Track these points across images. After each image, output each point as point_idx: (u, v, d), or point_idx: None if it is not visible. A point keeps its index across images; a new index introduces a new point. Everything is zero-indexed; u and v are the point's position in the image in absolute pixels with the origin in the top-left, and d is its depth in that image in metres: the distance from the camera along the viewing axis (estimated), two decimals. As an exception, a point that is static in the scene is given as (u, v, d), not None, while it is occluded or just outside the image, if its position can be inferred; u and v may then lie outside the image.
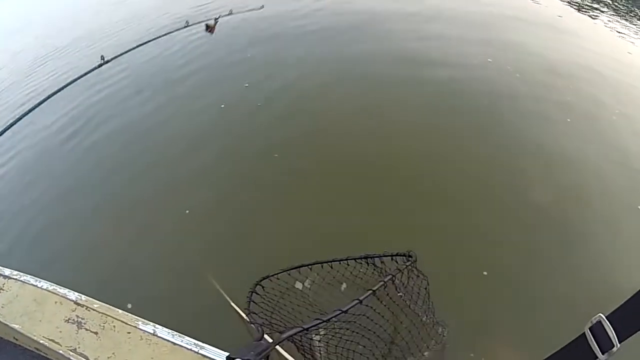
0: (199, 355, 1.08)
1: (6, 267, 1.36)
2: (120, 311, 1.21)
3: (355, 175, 3.25)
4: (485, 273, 2.44)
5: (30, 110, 2.26)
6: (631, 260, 2.60)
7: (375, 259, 1.57)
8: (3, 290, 1.29)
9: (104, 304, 1.23)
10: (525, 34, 5.61)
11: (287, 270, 1.57)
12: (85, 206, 3.37)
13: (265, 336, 1.04)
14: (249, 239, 2.82)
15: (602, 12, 7.22)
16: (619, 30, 6.39)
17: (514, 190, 3.07)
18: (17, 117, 2.16)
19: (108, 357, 1.09)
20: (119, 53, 2.64)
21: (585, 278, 2.50)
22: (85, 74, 2.59)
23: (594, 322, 0.64)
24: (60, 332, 1.16)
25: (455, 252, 2.58)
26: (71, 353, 1.10)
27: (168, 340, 1.12)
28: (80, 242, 3.08)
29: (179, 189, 3.32)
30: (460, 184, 3.12)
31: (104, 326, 1.16)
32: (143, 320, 1.18)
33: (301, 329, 0.84)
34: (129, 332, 1.15)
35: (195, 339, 1.13)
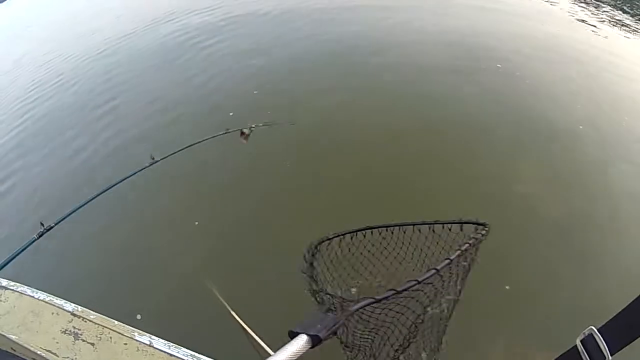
0: None
1: (3, 279, 1.37)
2: (116, 322, 1.20)
3: (364, 186, 3.32)
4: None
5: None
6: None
7: (437, 225, 1.13)
8: (0, 301, 1.29)
9: (100, 315, 1.23)
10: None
11: (349, 232, 1.16)
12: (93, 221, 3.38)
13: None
14: (255, 249, 2.89)
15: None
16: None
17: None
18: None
19: None
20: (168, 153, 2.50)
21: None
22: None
23: (586, 334, 0.63)
24: (57, 343, 1.16)
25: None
26: None
27: (164, 352, 1.11)
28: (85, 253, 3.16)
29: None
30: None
31: (100, 337, 1.16)
32: (139, 331, 1.17)
33: (373, 299, 0.70)
34: (125, 344, 1.14)
35: (193, 351, 1.13)
